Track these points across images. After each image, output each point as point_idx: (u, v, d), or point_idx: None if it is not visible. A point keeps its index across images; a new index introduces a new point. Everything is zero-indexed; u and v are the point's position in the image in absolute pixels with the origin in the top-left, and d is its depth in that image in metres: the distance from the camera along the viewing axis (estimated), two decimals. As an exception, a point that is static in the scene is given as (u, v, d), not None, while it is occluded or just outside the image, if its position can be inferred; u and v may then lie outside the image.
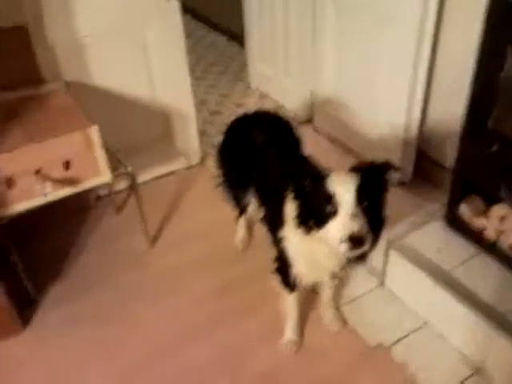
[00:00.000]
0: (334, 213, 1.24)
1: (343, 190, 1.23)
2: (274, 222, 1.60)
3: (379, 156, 2.44)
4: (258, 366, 1.70)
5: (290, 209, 1.40)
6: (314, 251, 1.40)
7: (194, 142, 2.68)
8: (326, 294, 1.81)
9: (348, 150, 2.77)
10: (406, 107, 2.29)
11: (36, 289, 1.97)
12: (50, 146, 1.69)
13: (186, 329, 1.84)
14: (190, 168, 2.71)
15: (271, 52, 3.20)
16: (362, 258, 1.42)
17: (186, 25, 2.40)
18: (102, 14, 2.14)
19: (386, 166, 1.36)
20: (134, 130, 2.46)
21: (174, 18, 2.30)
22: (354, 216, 1.22)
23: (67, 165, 1.75)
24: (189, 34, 2.42)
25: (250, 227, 2.24)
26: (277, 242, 1.57)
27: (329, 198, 1.24)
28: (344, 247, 1.22)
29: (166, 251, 2.20)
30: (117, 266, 2.12)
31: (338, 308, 1.87)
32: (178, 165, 2.67)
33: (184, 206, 2.46)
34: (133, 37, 2.27)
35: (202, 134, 2.88)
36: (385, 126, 2.44)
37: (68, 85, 2.09)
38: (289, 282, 1.63)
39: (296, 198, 1.35)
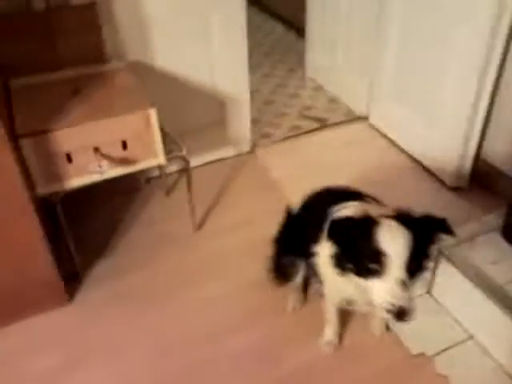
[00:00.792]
0: (380, 272, 1.12)
1: (395, 251, 1.10)
2: (310, 234, 1.47)
3: (434, 162, 2.40)
4: (293, 362, 1.69)
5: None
6: (346, 289, 1.29)
7: (245, 131, 2.68)
8: (374, 321, 1.75)
9: (403, 151, 2.69)
10: (469, 115, 2.20)
11: (81, 265, 2.03)
12: (109, 124, 1.73)
13: (225, 317, 1.85)
14: (239, 156, 2.71)
15: (331, 43, 3.15)
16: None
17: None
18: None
19: (442, 225, 1.22)
20: (189, 113, 2.48)
21: (238, 4, 2.28)
22: (403, 284, 1.10)
23: (124, 144, 1.78)
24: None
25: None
26: (309, 253, 1.45)
27: (377, 256, 1.11)
28: (389, 316, 1.11)
29: (211, 236, 2.21)
30: (162, 248, 2.15)
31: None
32: (228, 152, 2.68)
33: (231, 193, 2.47)
34: (197, 20, 2.26)
35: (254, 122, 2.87)
36: (444, 130, 2.35)
37: (131, 65, 2.12)
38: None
39: (338, 244, 1.21)
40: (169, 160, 1.92)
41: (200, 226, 2.26)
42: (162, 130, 1.85)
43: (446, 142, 2.36)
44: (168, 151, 1.92)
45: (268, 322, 1.83)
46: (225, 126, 2.63)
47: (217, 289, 1.96)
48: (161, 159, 1.87)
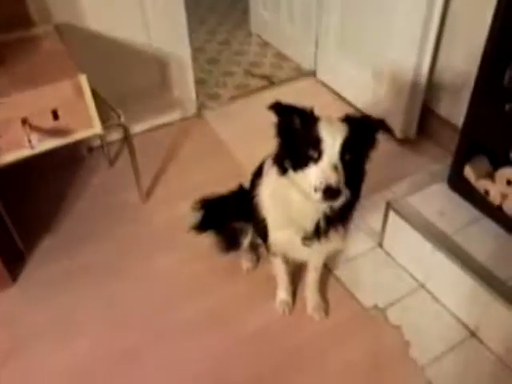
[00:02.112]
0: (315, 159, 1.20)
1: (332, 137, 1.19)
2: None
3: (383, 113, 2.39)
4: (249, 326, 1.69)
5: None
6: (287, 199, 1.34)
7: (190, 92, 2.58)
8: (311, 276, 1.72)
9: (350, 104, 2.66)
10: (415, 66, 2.18)
11: (25, 243, 1.93)
12: (36, 94, 1.59)
13: (180, 287, 1.82)
14: (185, 119, 2.62)
15: (274, -3, 3.03)
16: (341, 221, 1.39)
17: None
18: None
19: (379, 124, 1.30)
20: (127, 77, 2.34)
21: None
22: (335, 167, 1.19)
23: (55, 115, 1.66)
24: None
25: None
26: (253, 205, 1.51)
27: (315, 142, 1.20)
28: (318, 196, 1.19)
29: (159, 206, 2.14)
30: (109, 220, 2.07)
31: (321, 294, 1.77)
32: (173, 116, 2.58)
33: (179, 160, 2.39)
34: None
35: (199, 83, 2.77)
36: (391, 78, 2.33)
37: (58, 28, 1.96)
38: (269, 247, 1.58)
39: (279, 134, 1.29)
40: (106, 129, 1.82)
41: (148, 195, 2.18)
42: (97, 96, 1.73)
43: (393, 93, 2.34)
44: (106, 119, 1.81)
45: (222, 288, 1.80)
46: (167, 88, 2.51)
47: (169, 259, 1.91)
48: (97, 128, 1.76)
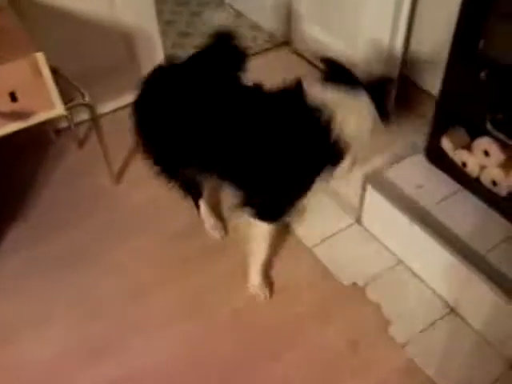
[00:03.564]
0: None
1: None
2: None
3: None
4: (226, 307, 1.65)
5: None
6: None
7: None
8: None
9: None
10: (391, 27, 2.09)
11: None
12: (-12, 76, 1.50)
13: (157, 269, 1.78)
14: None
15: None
16: None
17: None
18: None
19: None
20: (92, 54, 2.21)
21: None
22: None
23: (13, 96, 1.56)
24: None
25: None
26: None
27: None
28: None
29: (132, 188, 2.07)
30: (81, 206, 2.00)
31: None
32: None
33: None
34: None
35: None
36: (367, 46, 2.25)
37: (14, 2, 1.85)
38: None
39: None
40: (69, 109, 1.73)
41: (119, 177, 2.11)
42: (58, 76, 1.64)
43: (368, 62, 2.27)
44: (70, 99, 1.73)
45: (200, 271, 1.76)
46: (135, 65, 2.38)
47: (144, 243, 1.85)
48: (59, 109, 1.67)
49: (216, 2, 3.29)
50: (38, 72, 1.56)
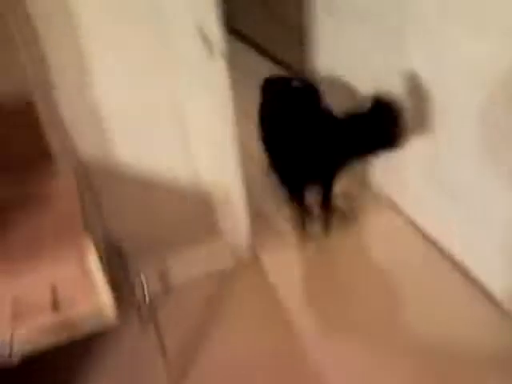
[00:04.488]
0: None
1: None
2: None
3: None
4: None
5: None
6: None
7: (242, 231, 2.13)
8: None
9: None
10: None
11: None
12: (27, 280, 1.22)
13: None
14: (235, 267, 2.14)
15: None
16: None
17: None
18: (126, 77, 1.67)
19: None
20: (163, 216, 1.94)
21: (218, 80, 1.77)
22: None
23: (54, 305, 1.26)
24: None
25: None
26: None
27: None
28: None
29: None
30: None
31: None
32: (220, 262, 2.12)
33: (224, 321, 1.90)
34: (165, 104, 1.76)
35: (257, 213, 2.31)
36: None
37: (82, 164, 1.68)
38: None
39: None
40: (122, 311, 1.40)
41: (182, 377, 1.70)
42: (120, 254, 1.38)
43: None
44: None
45: None
46: (213, 227, 2.07)
47: None
48: (108, 317, 1.34)
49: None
50: (86, 271, 1.27)
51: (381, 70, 2.11)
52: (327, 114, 1.95)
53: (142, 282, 1.50)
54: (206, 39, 1.67)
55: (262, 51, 3.93)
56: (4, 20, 1.37)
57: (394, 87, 1.95)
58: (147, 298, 1.53)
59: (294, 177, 2.03)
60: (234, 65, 1.80)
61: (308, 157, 1.91)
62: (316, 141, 1.88)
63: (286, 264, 2.16)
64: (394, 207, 2.34)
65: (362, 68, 2.26)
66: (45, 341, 1.27)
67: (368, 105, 1.85)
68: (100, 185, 1.72)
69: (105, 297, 1.31)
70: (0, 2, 1.35)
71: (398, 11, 1.92)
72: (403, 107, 1.80)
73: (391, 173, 2.34)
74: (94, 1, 1.51)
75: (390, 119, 1.79)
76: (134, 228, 1.77)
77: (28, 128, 1.53)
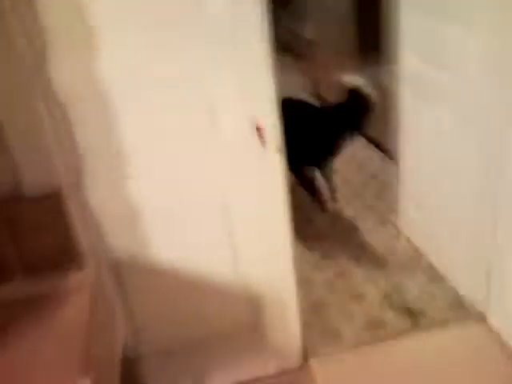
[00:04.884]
0: None
1: None
2: None
3: None
4: None
5: None
6: None
7: (292, 337, 1.86)
8: None
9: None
10: None
11: None
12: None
13: None
14: (285, 373, 1.86)
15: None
16: None
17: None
18: (170, 175, 1.54)
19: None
20: (204, 318, 1.74)
21: (272, 173, 1.58)
22: None
23: None
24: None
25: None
26: None
27: None
28: None
29: None
30: None
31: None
32: (267, 367, 1.86)
33: None
34: (212, 203, 1.60)
35: (307, 326, 1.97)
36: None
37: (117, 263, 1.54)
38: None
39: None
40: None
41: None
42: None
43: None
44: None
45: None
46: (260, 331, 1.81)
47: None
48: None
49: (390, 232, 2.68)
50: None
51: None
52: (313, 106, 2.80)
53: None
54: (259, 131, 1.49)
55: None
56: (33, 106, 1.28)
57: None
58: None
59: (295, 161, 2.28)
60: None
61: (302, 143, 2.43)
62: (307, 129, 2.50)
63: (342, 373, 1.85)
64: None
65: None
66: None
67: (345, 96, 2.45)
68: (132, 284, 1.57)
69: None
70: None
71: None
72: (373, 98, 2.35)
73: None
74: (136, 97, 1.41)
75: (362, 107, 2.41)
76: (165, 331, 1.58)
77: (54, 221, 1.41)
